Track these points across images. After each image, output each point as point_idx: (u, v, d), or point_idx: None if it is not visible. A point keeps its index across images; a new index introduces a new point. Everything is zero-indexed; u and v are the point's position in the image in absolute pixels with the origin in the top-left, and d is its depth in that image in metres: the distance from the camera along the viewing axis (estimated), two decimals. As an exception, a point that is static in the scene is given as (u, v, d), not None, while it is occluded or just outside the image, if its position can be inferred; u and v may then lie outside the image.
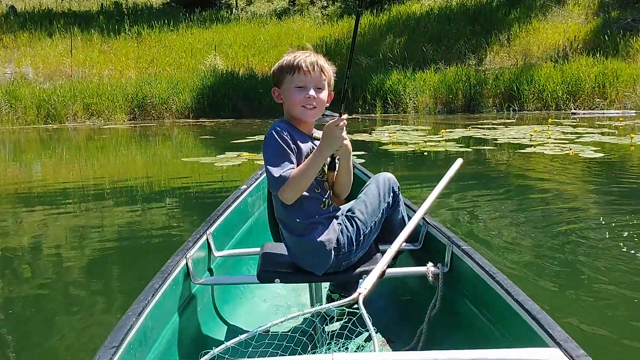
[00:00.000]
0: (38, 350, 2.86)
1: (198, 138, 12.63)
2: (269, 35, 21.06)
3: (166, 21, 22.32)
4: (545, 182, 6.48)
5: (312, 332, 2.12)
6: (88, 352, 2.75)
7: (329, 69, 2.21)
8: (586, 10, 19.88)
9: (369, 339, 1.83)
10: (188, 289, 2.26)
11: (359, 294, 1.85)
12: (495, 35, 19.04)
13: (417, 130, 12.01)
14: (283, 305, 2.73)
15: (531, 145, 8.85)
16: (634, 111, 14.79)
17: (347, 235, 2.15)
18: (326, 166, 2.18)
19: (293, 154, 2.10)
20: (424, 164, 8.09)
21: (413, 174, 7.20)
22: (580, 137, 9.79)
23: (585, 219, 4.68)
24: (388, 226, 2.32)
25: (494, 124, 12.72)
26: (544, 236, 4.19)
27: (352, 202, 2.33)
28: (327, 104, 2.21)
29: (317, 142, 2.16)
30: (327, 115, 2.19)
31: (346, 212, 2.24)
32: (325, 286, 2.57)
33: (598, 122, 12.59)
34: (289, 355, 1.71)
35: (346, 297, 2.12)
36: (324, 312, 1.88)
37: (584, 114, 14.74)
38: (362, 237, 2.18)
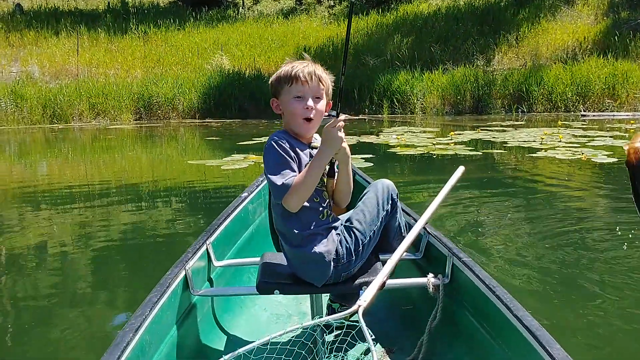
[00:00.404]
0: (42, 348, 2.92)
1: (204, 139, 12.56)
2: (276, 35, 20.98)
3: (172, 20, 22.28)
4: (555, 188, 6.35)
5: (312, 344, 2.11)
6: (91, 350, 2.86)
7: (327, 78, 2.22)
8: (595, 11, 19.70)
9: (369, 350, 1.81)
10: (187, 300, 2.25)
11: (359, 306, 1.85)
12: (503, 36, 18.89)
13: (425, 132, 11.89)
14: (284, 314, 2.73)
15: (542, 149, 8.72)
16: (645, 113, 14.65)
17: (346, 246, 2.15)
18: (325, 175, 2.18)
19: (294, 162, 2.11)
20: (434, 167, 7.98)
21: (422, 178, 7.09)
22: (592, 140, 9.65)
23: (596, 230, 4.54)
24: (386, 233, 2.32)
25: (502, 125, 12.60)
26: (550, 248, 4.05)
27: (351, 211, 2.32)
28: (326, 113, 2.21)
29: None
30: (326, 117, 2.20)
31: (345, 223, 2.23)
32: (325, 295, 2.56)
33: (608, 125, 12.43)
34: None
35: (346, 306, 2.23)
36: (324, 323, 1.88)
37: (594, 116, 14.58)
38: (361, 248, 2.18)
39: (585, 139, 9.86)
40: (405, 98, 16.35)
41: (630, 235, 4.27)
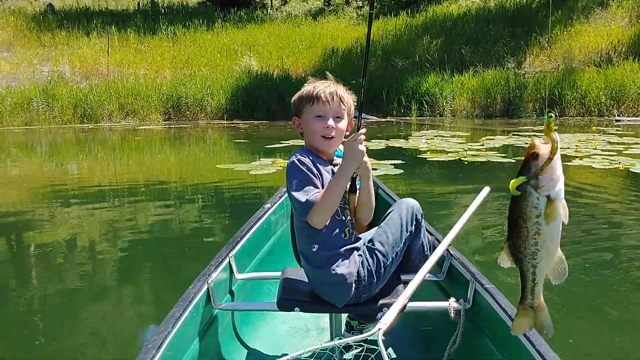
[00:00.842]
0: (66, 342, 2.99)
1: (232, 141, 12.55)
2: (304, 36, 20.94)
3: (201, 21, 22.38)
4: (592, 200, 6.13)
5: None
6: (115, 346, 2.95)
7: (349, 99, 2.25)
8: (630, 13, 19.25)
9: None
10: (209, 314, 2.28)
11: (379, 329, 1.84)
12: (535, 38, 18.57)
13: (455, 136, 11.72)
14: (302, 327, 2.75)
15: (577, 157, 8.48)
16: (682, 119, 14.26)
17: (368, 268, 2.15)
18: (347, 192, 2.19)
19: (317, 178, 2.12)
20: (464, 175, 7.82)
21: (452, 188, 6.93)
22: (629, 148, 9.39)
23: (631, 252, 4.29)
24: (408, 253, 2.32)
25: (534, 130, 12.36)
26: (581, 272, 3.80)
27: (374, 230, 2.33)
28: (347, 132, 2.24)
29: None
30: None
31: (367, 243, 2.23)
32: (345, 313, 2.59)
33: (644, 131, 12.12)
34: None
35: (366, 325, 2.30)
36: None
37: (629, 121, 14.24)
38: (382, 269, 2.18)
39: (622, 146, 9.60)
40: (434, 100, 16.18)
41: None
